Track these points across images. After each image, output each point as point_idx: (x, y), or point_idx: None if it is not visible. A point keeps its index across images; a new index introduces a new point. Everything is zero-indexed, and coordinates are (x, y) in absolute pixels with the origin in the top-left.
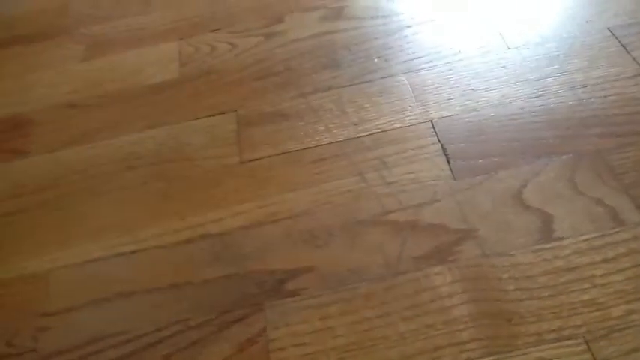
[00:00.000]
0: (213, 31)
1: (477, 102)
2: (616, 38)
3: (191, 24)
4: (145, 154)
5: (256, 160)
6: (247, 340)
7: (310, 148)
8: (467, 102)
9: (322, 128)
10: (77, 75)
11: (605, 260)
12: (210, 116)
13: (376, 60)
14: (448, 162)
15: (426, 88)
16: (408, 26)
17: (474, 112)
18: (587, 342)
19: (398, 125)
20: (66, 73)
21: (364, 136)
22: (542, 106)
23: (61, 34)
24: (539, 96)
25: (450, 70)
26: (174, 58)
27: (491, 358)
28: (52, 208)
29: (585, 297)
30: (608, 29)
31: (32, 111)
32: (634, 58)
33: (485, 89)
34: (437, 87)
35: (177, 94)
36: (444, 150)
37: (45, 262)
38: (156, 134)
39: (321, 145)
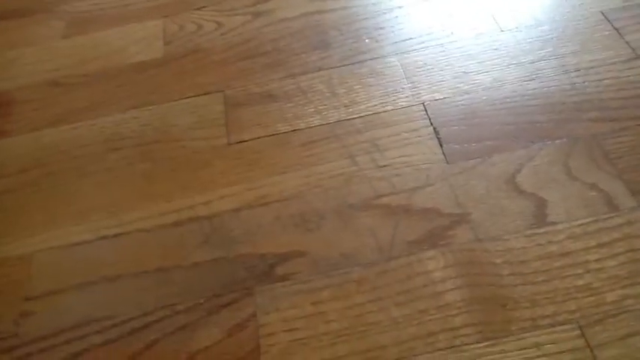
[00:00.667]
0: (199, 8)
1: (470, 85)
2: (609, 22)
3: (176, 1)
4: (129, 134)
5: (245, 141)
6: (236, 325)
7: (300, 129)
8: (459, 84)
9: (312, 110)
10: (59, 53)
11: (600, 245)
12: (196, 96)
13: (367, 41)
14: (441, 145)
15: (418, 70)
16: (399, 6)
17: (467, 95)
18: (581, 327)
19: (389, 107)
20: (48, 51)
21: (355, 118)
22: (536, 90)
23: (43, 10)
24: (533, 79)
25: (443, 51)
26: (158, 36)
27: (485, 343)
28: (35, 189)
29: (579, 282)
30: (601, 12)
31: (14, 89)
32: (627, 42)
33: (478, 72)
34: (429, 69)
35: (161, 73)
36: (437, 133)
37: (28, 244)
38: (140, 114)
39: (311, 127)
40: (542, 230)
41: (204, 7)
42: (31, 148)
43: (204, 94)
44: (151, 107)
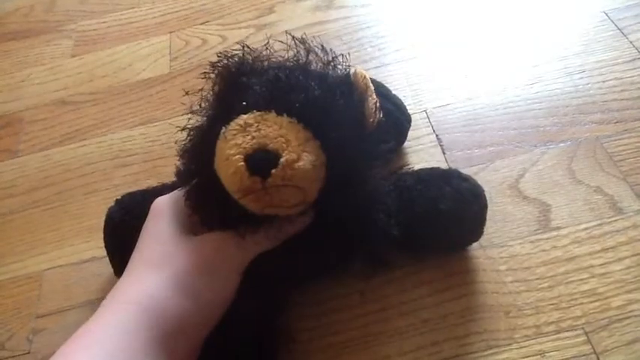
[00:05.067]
0: (204, 23)
1: (472, 90)
2: (612, 22)
3: (181, 17)
4: (137, 150)
5: None
6: None
7: None
8: (461, 90)
9: None
10: (67, 71)
11: (605, 249)
12: None
13: (369, 49)
14: (443, 153)
15: (420, 76)
16: (401, 15)
17: (469, 101)
18: (586, 333)
19: None
20: (56, 70)
21: None
22: (539, 93)
23: (51, 30)
24: (536, 83)
25: (444, 58)
26: (164, 52)
27: (490, 352)
28: (44, 207)
29: (584, 287)
30: (604, 12)
31: (23, 109)
32: (631, 42)
33: (480, 77)
34: (430, 76)
35: (168, 89)
36: (439, 140)
37: (39, 262)
38: (147, 130)
39: None
40: (546, 235)
41: (208, 21)
42: (41, 167)
43: None
44: (157, 123)
